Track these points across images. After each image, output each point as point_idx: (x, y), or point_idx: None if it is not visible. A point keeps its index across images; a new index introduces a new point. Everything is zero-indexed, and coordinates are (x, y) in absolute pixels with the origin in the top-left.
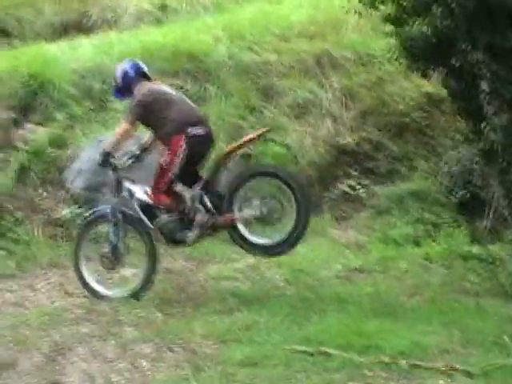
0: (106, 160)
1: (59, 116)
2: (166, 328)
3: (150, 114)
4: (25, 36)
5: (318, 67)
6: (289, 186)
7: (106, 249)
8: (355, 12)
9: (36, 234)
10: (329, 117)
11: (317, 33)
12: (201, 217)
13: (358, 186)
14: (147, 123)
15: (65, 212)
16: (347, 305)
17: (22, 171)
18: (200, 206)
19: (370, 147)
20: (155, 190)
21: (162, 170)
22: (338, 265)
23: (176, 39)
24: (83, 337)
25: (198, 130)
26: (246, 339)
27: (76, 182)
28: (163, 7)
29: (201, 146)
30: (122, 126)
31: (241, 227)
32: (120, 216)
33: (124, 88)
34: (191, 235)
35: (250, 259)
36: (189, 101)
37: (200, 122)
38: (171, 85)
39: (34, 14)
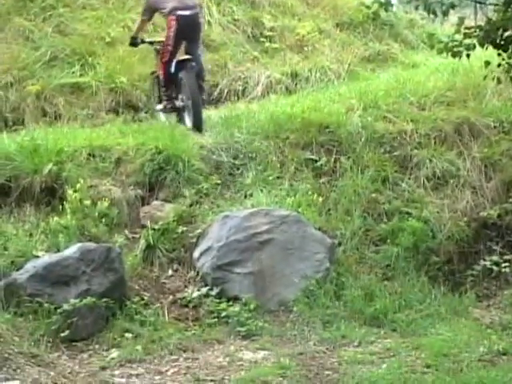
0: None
1: (186, 192)
2: None
3: None
4: (151, 109)
5: (456, 136)
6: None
7: None
8: (493, 78)
9: (163, 315)
10: (468, 188)
11: (455, 99)
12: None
13: (501, 262)
14: None
15: (193, 293)
16: None
17: (149, 250)
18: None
19: None
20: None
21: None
22: (481, 347)
23: (306, 109)
24: None
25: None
26: None
27: (204, 261)
28: (294, 75)
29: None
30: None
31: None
32: None
33: None
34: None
35: (388, 342)
36: None
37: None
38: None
39: None
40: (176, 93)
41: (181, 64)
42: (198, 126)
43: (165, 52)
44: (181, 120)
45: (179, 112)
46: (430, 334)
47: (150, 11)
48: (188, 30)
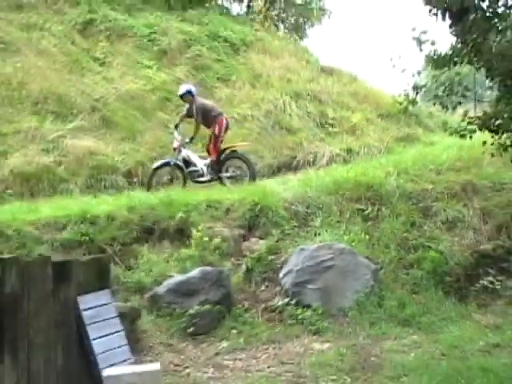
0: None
1: (274, 232)
2: None
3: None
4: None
5: (463, 193)
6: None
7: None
8: (490, 153)
9: (258, 318)
10: (471, 229)
11: (462, 167)
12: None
13: (495, 281)
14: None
15: (278, 302)
16: (488, 373)
17: (248, 272)
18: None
19: (503, 252)
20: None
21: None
22: (481, 341)
23: (357, 174)
24: None
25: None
26: None
27: (286, 280)
28: (348, 150)
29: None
30: None
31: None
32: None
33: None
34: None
35: (415, 337)
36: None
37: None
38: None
39: (257, 158)
40: (220, 168)
41: (226, 150)
42: (253, 179)
43: (217, 142)
44: (221, 183)
45: (220, 180)
46: (445, 332)
47: (202, 114)
48: (227, 129)
